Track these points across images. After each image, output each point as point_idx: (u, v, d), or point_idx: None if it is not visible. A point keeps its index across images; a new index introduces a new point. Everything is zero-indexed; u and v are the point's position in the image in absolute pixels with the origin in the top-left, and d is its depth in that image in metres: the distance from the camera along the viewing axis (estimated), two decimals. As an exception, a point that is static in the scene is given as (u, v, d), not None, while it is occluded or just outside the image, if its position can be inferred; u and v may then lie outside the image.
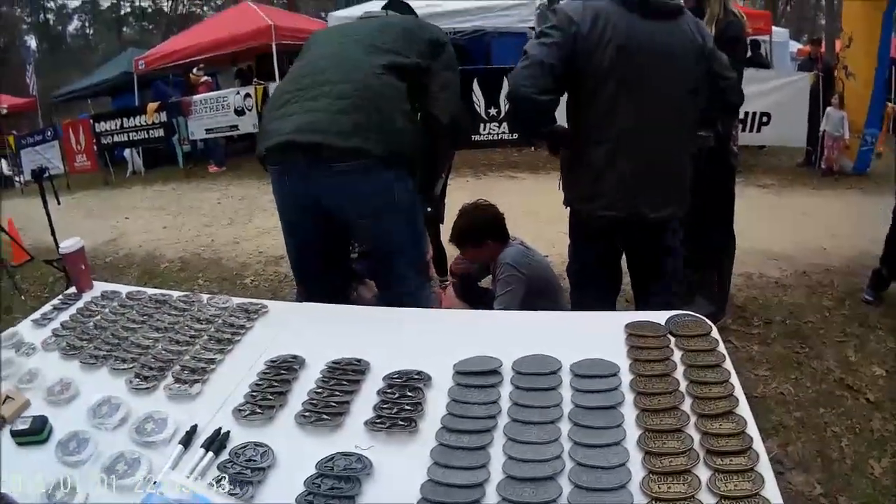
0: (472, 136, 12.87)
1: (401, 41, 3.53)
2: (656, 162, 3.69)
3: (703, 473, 1.82)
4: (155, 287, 3.73)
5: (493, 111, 12.76)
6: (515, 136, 12.99)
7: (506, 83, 12.48)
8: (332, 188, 3.32)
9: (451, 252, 5.69)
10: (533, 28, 15.98)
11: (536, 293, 4.76)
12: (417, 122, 3.54)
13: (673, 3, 3.63)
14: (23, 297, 8.22)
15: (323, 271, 3.76)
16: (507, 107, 12.55)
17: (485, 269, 5.43)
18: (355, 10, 14.82)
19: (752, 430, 1.94)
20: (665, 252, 3.97)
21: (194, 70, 18.05)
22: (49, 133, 19.53)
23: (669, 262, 4.01)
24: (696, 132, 3.96)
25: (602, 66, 3.55)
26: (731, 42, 4.74)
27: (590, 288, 4.14)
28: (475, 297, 5.47)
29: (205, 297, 3.13)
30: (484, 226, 4.99)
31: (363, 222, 3.49)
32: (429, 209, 3.89)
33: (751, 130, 12.35)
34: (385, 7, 4.04)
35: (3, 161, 21.52)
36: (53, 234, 7.82)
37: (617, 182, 3.65)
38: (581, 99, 3.68)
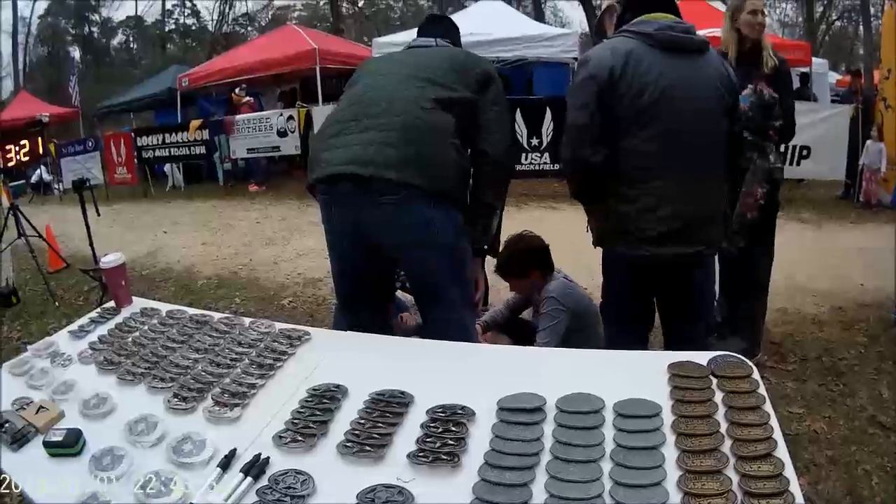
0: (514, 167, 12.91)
1: (451, 74, 3.52)
2: (701, 199, 3.70)
3: (740, 515, 1.80)
4: (191, 303, 3.75)
5: (535, 141, 12.76)
6: (557, 166, 12.89)
7: (548, 112, 12.51)
8: (377, 219, 3.34)
9: (493, 281, 5.68)
10: (576, 59, 16.06)
11: (577, 327, 4.74)
12: (466, 156, 3.55)
13: (699, 39, 3.67)
14: (56, 304, 8.31)
15: (367, 300, 3.76)
16: (549, 137, 12.60)
17: (524, 301, 5.42)
18: (399, 36, 14.92)
19: (790, 472, 1.93)
20: (696, 290, 3.97)
21: (236, 90, 18.22)
22: (90, 144, 19.73)
23: (699, 299, 4.00)
24: (734, 165, 3.98)
25: (639, 109, 3.58)
26: (786, 76, 5.23)
27: (622, 324, 4.13)
28: (517, 330, 5.44)
29: (247, 320, 3.13)
30: (529, 257, 5.00)
31: (406, 254, 3.51)
32: (485, 246, 3.85)
33: (790, 164, 12.20)
34: (431, 29, 4.04)
35: (43, 168, 21.76)
36: (91, 244, 7.94)
37: (660, 223, 3.66)
38: (625, 142, 3.68)
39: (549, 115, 12.53)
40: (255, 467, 2.10)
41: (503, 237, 5.03)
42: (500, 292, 6.38)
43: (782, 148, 5.66)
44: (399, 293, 5.55)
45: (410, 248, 3.44)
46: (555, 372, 2.52)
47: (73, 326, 3.19)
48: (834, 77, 23.51)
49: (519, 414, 2.24)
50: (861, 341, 6.11)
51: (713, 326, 4.51)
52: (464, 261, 3.58)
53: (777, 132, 5.28)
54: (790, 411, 4.93)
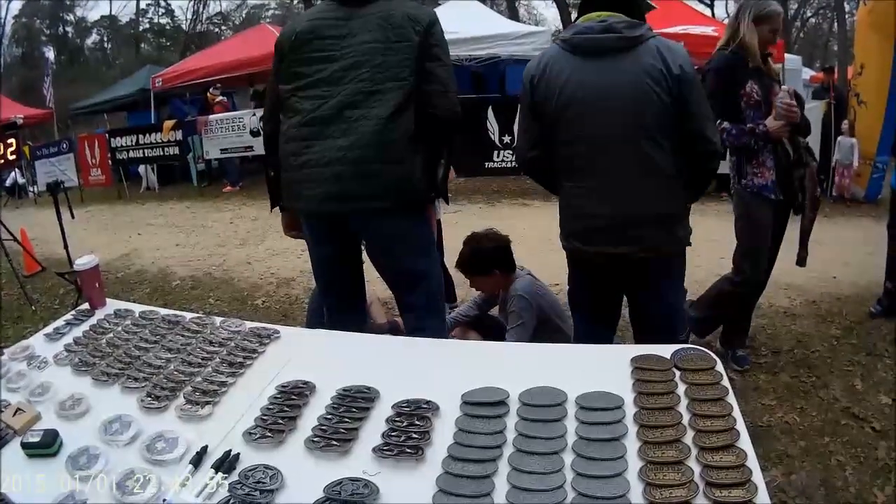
0: (486, 164, 12.90)
1: (391, 55, 3.64)
2: (619, 200, 3.71)
3: (702, 505, 1.83)
4: (165, 304, 3.78)
5: (507, 139, 12.78)
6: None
7: (520, 110, 12.55)
8: (357, 232, 3.78)
9: (460, 280, 5.72)
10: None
11: (544, 323, 4.79)
12: (422, 149, 3.76)
13: (622, 36, 3.60)
14: (33, 308, 8.27)
15: (346, 283, 4.08)
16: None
17: (490, 299, 5.46)
18: None
19: (752, 462, 1.96)
20: (653, 298, 3.97)
21: (211, 90, 18.14)
22: (64, 145, 19.60)
23: (659, 310, 3.99)
24: (676, 166, 3.73)
25: (554, 113, 3.72)
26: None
27: (586, 314, 4.21)
28: (486, 327, 5.47)
29: (217, 319, 3.17)
30: (492, 255, 5.03)
31: (384, 260, 3.89)
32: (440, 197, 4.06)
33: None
34: None
35: (17, 170, 21.61)
36: (66, 247, 7.90)
37: (584, 220, 3.82)
38: (553, 143, 3.82)
39: (520, 111, 12.43)
40: (226, 463, 2.14)
41: (470, 236, 5.10)
42: (470, 291, 6.44)
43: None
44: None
45: (388, 255, 3.84)
46: (518, 366, 2.56)
47: (49, 329, 3.20)
48: (808, 73, 23.57)
49: (482, 408, 2.28)
50: (834, 334, 6.20)
51: (680, 327, 4.46)
52: (434, 256, 4.00)
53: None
54: (762, 403, 5.00)
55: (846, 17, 33.48)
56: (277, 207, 4.24)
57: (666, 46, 3.59)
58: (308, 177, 3.67)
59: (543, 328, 4.82)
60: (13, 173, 21.93)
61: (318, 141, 3.62)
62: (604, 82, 3.61)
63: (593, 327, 4.14)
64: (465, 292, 6.90)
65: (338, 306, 4.08)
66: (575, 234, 3.87)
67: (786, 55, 16.26)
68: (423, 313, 3.91)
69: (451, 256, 6.13)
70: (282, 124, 3.84)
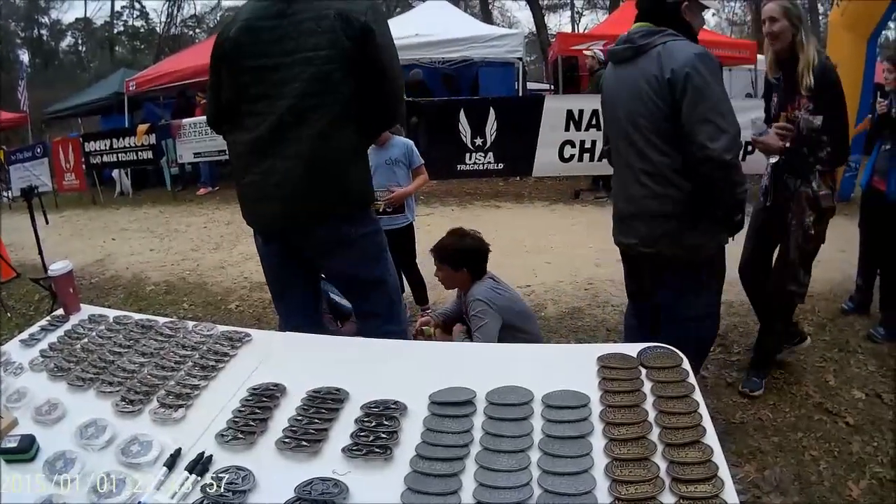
0: (458, 166, 12.92)
1: (330, 64, 3.45)
2: (622, 196, 4.19)
3: (668, 500, 1.88)
4: (140, 309, 3.80)
5: (478, 141, 12.78)
6: (501, 165, 13.18)
7: (492, 112, 12.60)
8: (306, 246, 3.78)
9: (430, 280, 5.75)
10: (520, 59, 16.16)
11: (510, 324, 4.82)
12: (364, 151, 3.83)
13: (629, 47, 3.91)
14: (8, 315, 8.24)
15: (300, 303, 4.05)
16: (493, 137, 12.70)
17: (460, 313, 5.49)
18: None
19: (719, 458, 2.00)
20: (668, 292, 4.22)
21: (198, 93, 18.02)
22: (39, 150, 19.38)
23: (672, 300, 4.19)
24: (676, 168, 3.86)
25: (604, 119, 4.47)
26: (829, 93, 4.64)
27: (629, 296, 4.82)
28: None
29: (190, 324, 3.19)
30: (468, 253, 5.06)
31: (335, 266, 3.91)
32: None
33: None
34: None
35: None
36: (41, 252, 7.88)
37: (614, 210, 4.38)
38: None
39: (493, 115, 12.59)
40: (199, 465, 2.17)
41: (456, 229, 5.19)
42: (441, 295, 6.49)
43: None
44: (338, 298, 5.65)
45: (336, 260, 3.83)
46: (486, 366, 2.61)
47: (24, 335, 3.21)
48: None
49: (449, 407, 2.33)
50: (807, 331, 6.17)
51: (699, 349, 4.48)
52: (382, 253, 3.95)
53: (825, 161, 4.74)
54: (734, 400, 5.09)
55: (819, 17, 33.58)
56: None
57: (667, 51, 3.74)
58: (256, 196, 3.68)
59: (510, 327, 4.85)
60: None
61: (261, 161, 3.58)
62: (616, 89, 4.08)
63: (632, 306, 4.80)
64: (437, 295, 6.95)
65: (287, 316, 4.07)
66: (616, 235, 4.39)
67: (759, 57, 16.36)
68: (380, 322, 3.87)
69: (423, 259, 6.18)
70: (229, 134, 3.77)
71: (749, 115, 4.97)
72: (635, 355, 2.55)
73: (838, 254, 6.93)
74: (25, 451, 2.33)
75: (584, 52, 14.36)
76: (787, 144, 4.71)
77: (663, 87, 3.71)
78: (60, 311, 3.38)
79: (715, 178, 3.73)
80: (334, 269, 3.94)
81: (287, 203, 3.57)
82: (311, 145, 3.49)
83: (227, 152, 4.34)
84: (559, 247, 9.13)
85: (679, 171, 3.84)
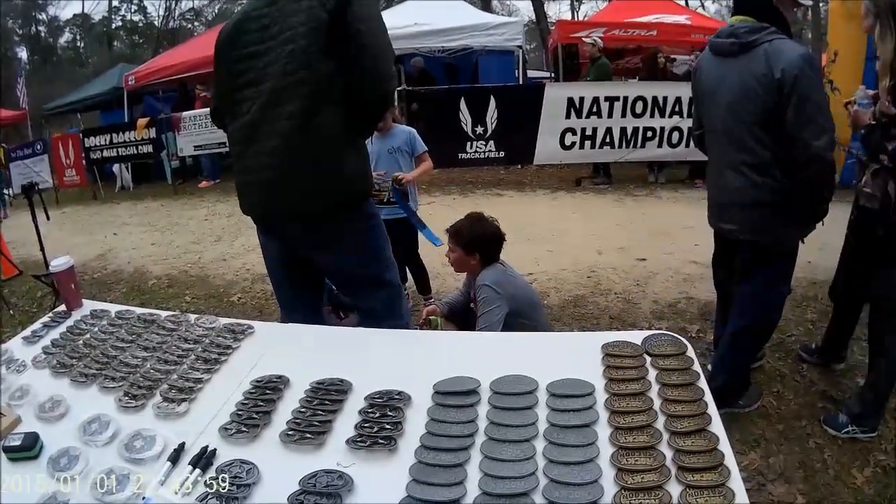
0: (459, 155, 12.90)
1: (306, 39, 3.29)
2: (719, 186, 4.44)
3: (674, 489, 1.87)
4: (142, 303, 3.78)
5: (479, 129, 12.75)
6: (502, 154, 13.17)
7: (493, 101, 12.57)
8: (294, 237, 3.70)
9: (432, 270, 5.73)
10: (520, 47, 16.13)
11: (517, 312, 4.80)
12: (356, 139, 3.67)
13: (737, 42, 4.05)
14: (11, 312, 8.23)
15: (299, 296, 4.00)
16: (494, 125, 12.67)
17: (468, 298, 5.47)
18: None
19: (725, 446, 1.99)
20: (744, 279, 4.46)
21: (198, 86, 17.98)
22: (39, 146, 19.35)
23: (746, 289, 4.47)
24: (776, 162, 4.04)
25: (699, 102, 4.64)
26: None
27: (720, 293, 5.07)
28: (462, 320, 5.48)
29: (192, 317, 3.18)
30: (483, 238, 5.03)
31: (324, 261, 3.78)
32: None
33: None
34: None
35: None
36: (42, 249, 7.85)
37: (708, 194, 4.62)
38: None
39: (493, 103, 12.58)
40: (203, 459, 2.16)
41: (475, 213, 5.21)
42: (444, 284, 6.47)
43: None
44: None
45: (331, 253, 3.70)
46: (490, 355, 2.61)
47: (26, 332, 3.20)
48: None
49: (454, 397, 2.32)
50: (811, 318, 6.27)
51: (767, 335, 4.75)
52: (378, 242, 3.81)
53: (892, 156, 4.21)
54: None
55: (819, 5, 33.42)
56: None
57: (775, 50, 3.89)
58: (247, 183, 3.60)
59: (517, 315, 4.82)
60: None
61: (248, 147, 3.51)
62: (719, 80, 4.21)
63: (719, 290, 5.06)
64: (440, 284, 6.93)
65: (288, 310, 4.02)
66: (710, 217, 4.64)
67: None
68: (379, 322, 3.67)
69: (424, 248, 6.17)
70: (227, 126, 3.71)
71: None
72: (640, 343, 2.54)
73: (841, 240, 6.91)
74: (29, 448, 2.32)
75: (584, 39, 14.32)
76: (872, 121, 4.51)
77: (772, 85, 3.85)
78: (62, 307, 3.37)
79: (808, 177, 3.93)
80: (325, 264, 3.79)
81: (265, 189, 3.51)
82: (289, 126, 3.34)
83: (226, 144, 4.34)
84: (561, 235, 9.12)
85: (777, 163, 4.04)
